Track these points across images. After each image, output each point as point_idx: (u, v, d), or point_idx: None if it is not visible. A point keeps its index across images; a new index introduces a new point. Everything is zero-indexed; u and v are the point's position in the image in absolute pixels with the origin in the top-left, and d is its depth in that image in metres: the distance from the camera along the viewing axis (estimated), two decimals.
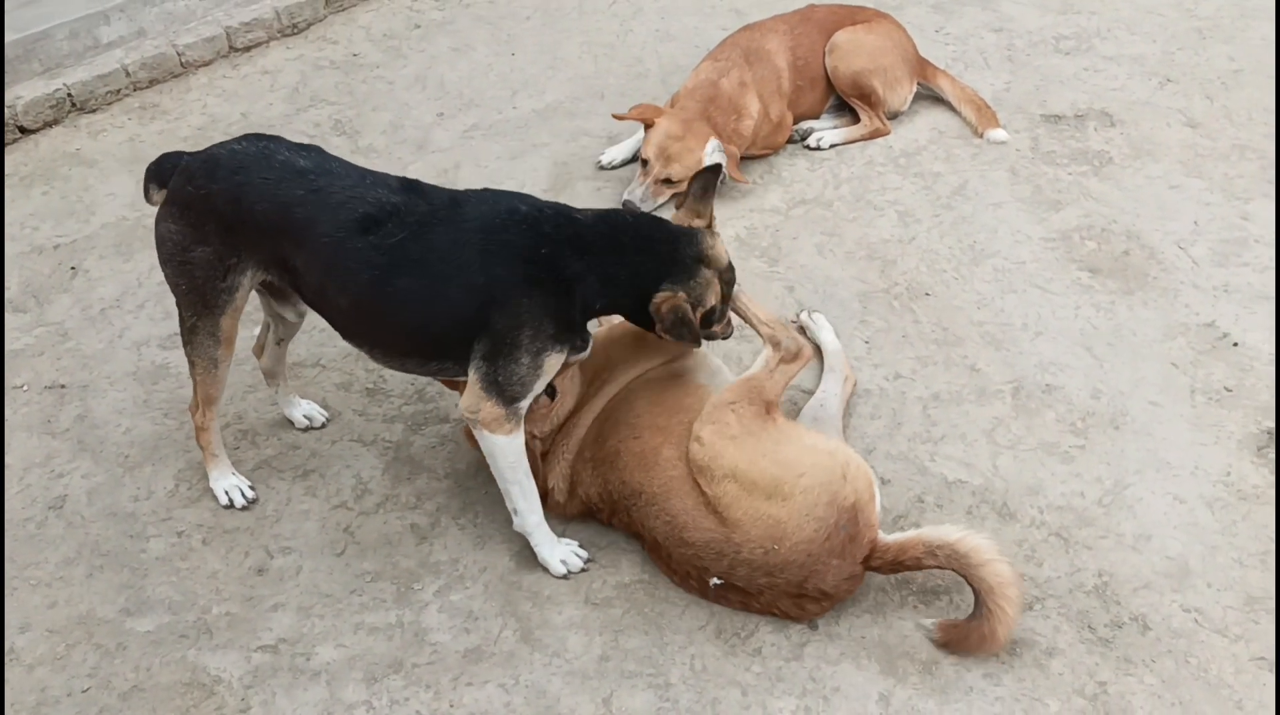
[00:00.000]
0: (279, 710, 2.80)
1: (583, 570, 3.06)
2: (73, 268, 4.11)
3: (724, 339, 3.07)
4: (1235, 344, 3.60)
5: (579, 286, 2.73)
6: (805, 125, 4.58)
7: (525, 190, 4.18)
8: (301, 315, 3.16)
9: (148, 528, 3.20)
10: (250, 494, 3.25)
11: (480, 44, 5.29)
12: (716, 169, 2.96)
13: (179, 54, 5.11)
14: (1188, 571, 2.97)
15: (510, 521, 3.04)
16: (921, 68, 4.66)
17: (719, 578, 2.84)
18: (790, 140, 4.56)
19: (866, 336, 3.68)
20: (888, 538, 2.81)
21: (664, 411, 3.00)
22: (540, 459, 3.12)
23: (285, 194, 2.72)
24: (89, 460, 3.42)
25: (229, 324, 2.93)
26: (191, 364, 3.03)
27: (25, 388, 3.68)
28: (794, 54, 4.43)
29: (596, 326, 3.25)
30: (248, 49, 5.31)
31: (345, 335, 2.94)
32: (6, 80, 4.77)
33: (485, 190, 2.84)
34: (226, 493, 3.23)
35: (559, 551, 3.05)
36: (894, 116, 4.64)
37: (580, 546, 3.09)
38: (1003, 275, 3.90)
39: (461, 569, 3.10)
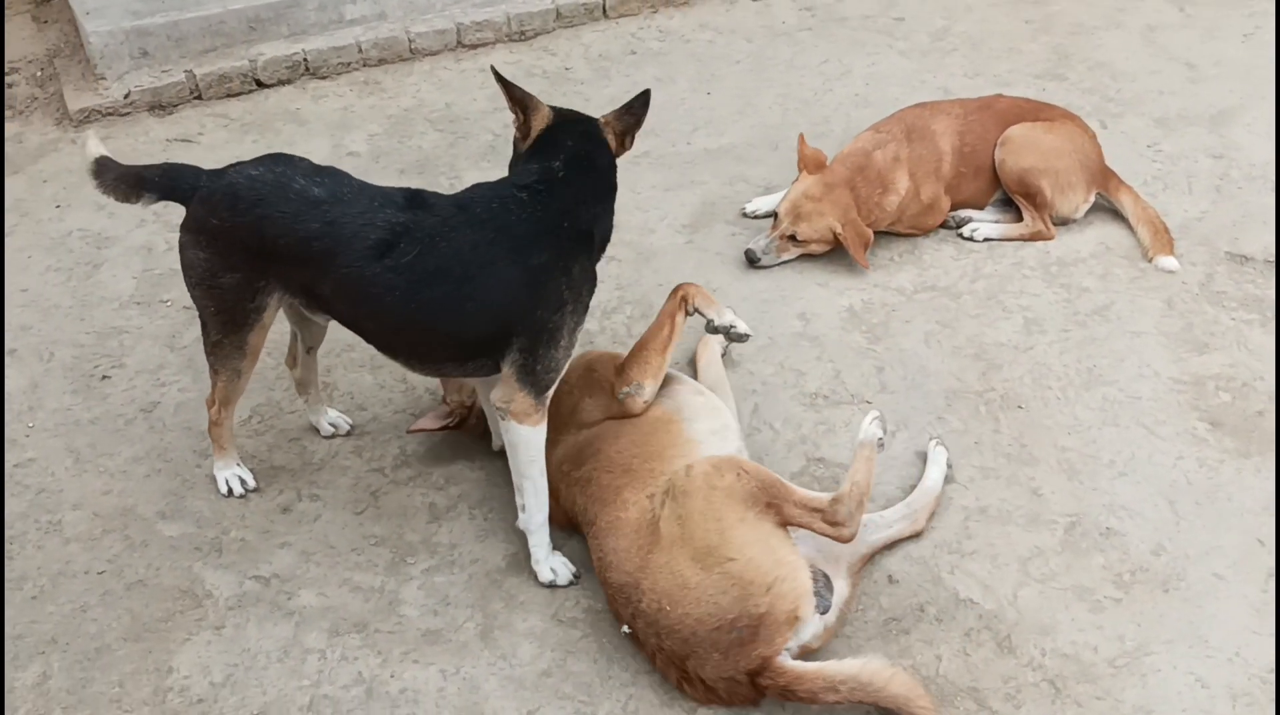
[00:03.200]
0: (248, 636, 3.01)
1: (568, 585, 3.12)
2: None
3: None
4: None
5: (597, 226, 2.96)
6: (964, 213, 4.43)
7: (665, 222, 4.31)
8: (324, 323, 3.25)
9: (210, 448, 3.49)
10: (251, 483, 3.38)
11: (683, 78, 5.43)
12: (645, 94, 3.14)
13: (410, 40, 5.53)
14: None
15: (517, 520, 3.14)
16: (1104, 178, 4.41)
17: (628, 626, 2.83)
18: (945, 226, 4.43)
19: (938, 434, 3.53)
20: (788, 663, 2.70)
21: (640, 454, 3.01)
22: None
23: (303, 228, 2.78)
24: (190, 378, 3.78)
25: (256, 340, 3.04)
26: (214, 372, 3.13)
27: (169, 303, 4.11)
28: (962, 139, 4.31)
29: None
30: (474, 47, 5.68)
31: (381, 351, 3.06)
32: (255, 38, 5.33)
33: (477, 186, 2.97)
34: (227, 481, 3.37)
35: (553, 560, 3.12)
36: (1063, 223, 4.41)
37: (570, 563, 3.14)
38: (1111, 406, 3.65)
39: (456, 555, 3.22)
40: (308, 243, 2.79)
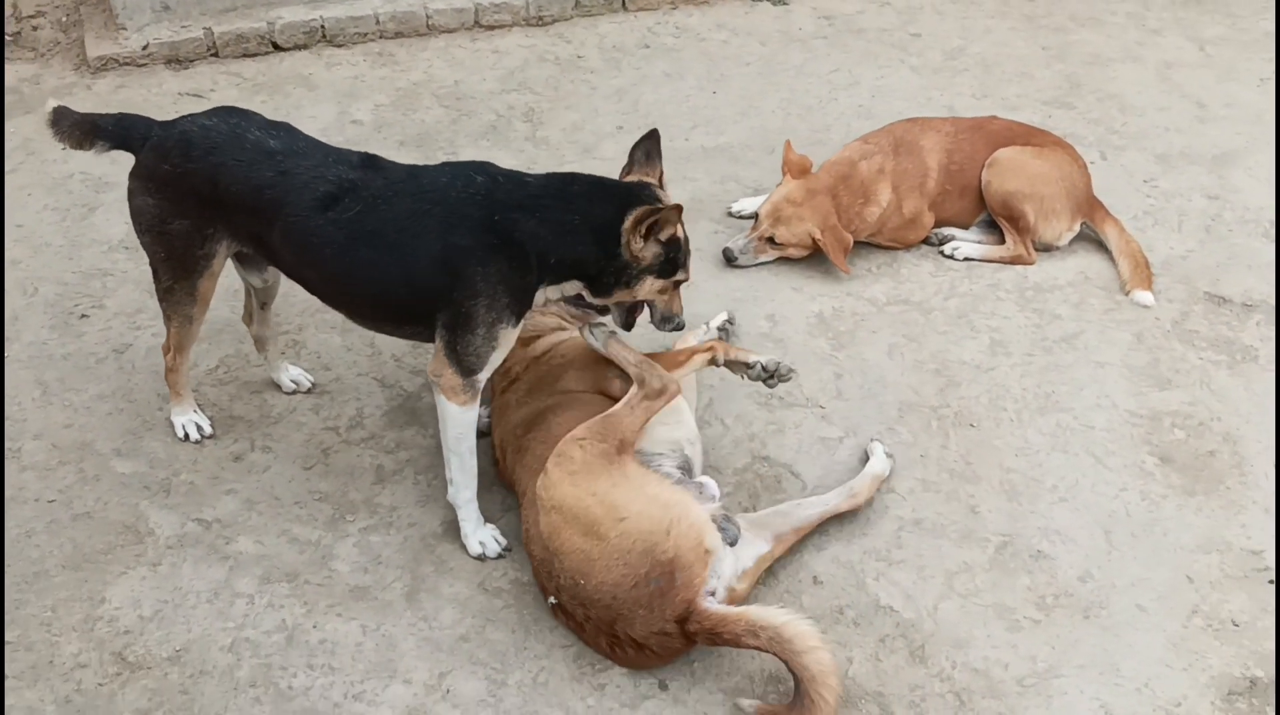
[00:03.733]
0: (182, 575, 3.10)
1: (497, 557, 3.18)
2: None
3: (675, 325, 3.14)
4: (1272, 581, 3.23)
5: (534, 246, 2.84)
6: (948, 231, 4.45)
7: None
8: (269, 279, 3.32)
9: None
10: (207, 430, 3.47)
11: (691, 76, 5.48)
12: (654, 134, 3.09)
13: (428, 16, 5.61)
14: None
15: None
16: (1090, 208, 4.42)
17: (553, 597, 2.89)
18: (927, 242, 4.45)
19: (887, 446, 3.56)
20: (712, 606, 2.75)
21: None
22: (494, 410, 3.31)
23: (257, 177, 2.87)
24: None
25: (206, 286, 3.12)
26: (167, 318, 3.22)
27: None
28: (949, 157, 4.33)
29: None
30: (491, 28, 5.75)
31: (324, 302, 3.13)
32: (276, 1, 5.43)
33: (444, 163, 3.01)
34: (184, 426, 3.47)
35: (481, 533, 3.18)
36: (1046, 249, 4.42)
37: (502, 535, 3.20)
38: (1063, 432, 3.67)
39: (394, 517, 3.30)
40: (260, 190, 2.87)
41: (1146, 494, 3.48)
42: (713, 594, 2.81)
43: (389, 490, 3.37)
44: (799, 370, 3.78)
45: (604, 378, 3.19)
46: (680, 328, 3.20)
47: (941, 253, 4.42)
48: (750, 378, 3.26)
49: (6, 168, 4.64)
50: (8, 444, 3.43)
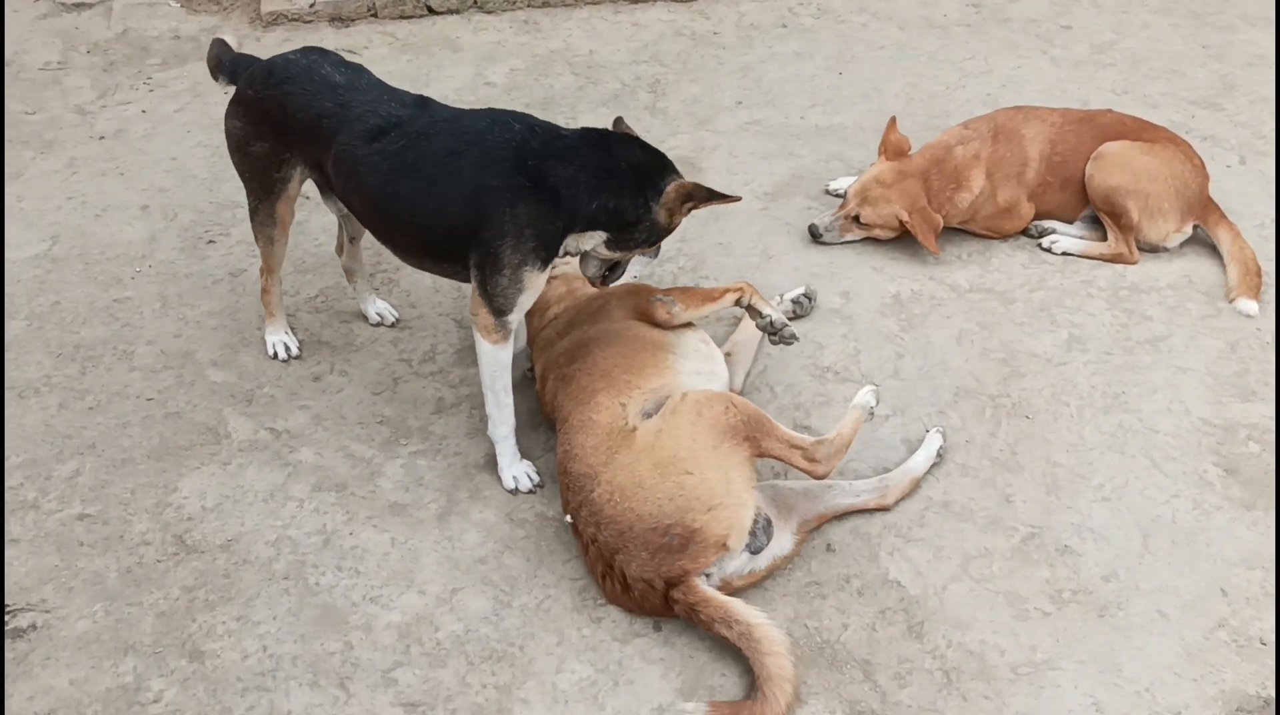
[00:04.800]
0: (246, 476, 3.43)
1: (530, 491, 3.37)
2: None
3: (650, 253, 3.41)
4: None
5: (569, 190, 2.99)
6: (1048, 224, 4.35)
7: (749, 187, 4.47)
8: (344, 209, 3.52)
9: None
10: (294, 350, 3.79)
11: (820, 56, 5.51)
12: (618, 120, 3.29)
13: None
14: None
15: None
16: (1204, 210, 4.23)
17: (570, 516, 3.04)
18: (1027, 233, 4.37)
19: (933, 426, 3.56)
20: (702, 586, 2.86)
21: (622, 365, 3.19)
22: (534, 344, 3.51)
23: (319, 107, 3.16)
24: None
25: (284, 210, 3.45)
26: (256, 239, 3.58)
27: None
28: (1053, 147, 4.23)
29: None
30: (636, 1, 5.93)
31: (372, 234, 3.38)
32: None
33: (488, 109, 3.19)
34: (274, 346, 3.79)
35: (515, 468, 3.38)
36: (1153, 250, 4.27)
37: (537, 472, 3.39)
38: (1123, 433, 3.57)
39: (443, 445, 3.53)
40: (320, 119, 3.17)
41: (1199, 502, 3.36)
42: (708, 576, 2.92)
43: (444, 420, 3.61)
44: (864, 348, 3.82)
45: (645, 303, 3.33)
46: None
47: (1039, 245, 4.33)
48: (759, 327, 3.39)
49: (174, 107, 5.13)
50: (126, 347, 3.84)
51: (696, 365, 3.31)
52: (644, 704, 2.85)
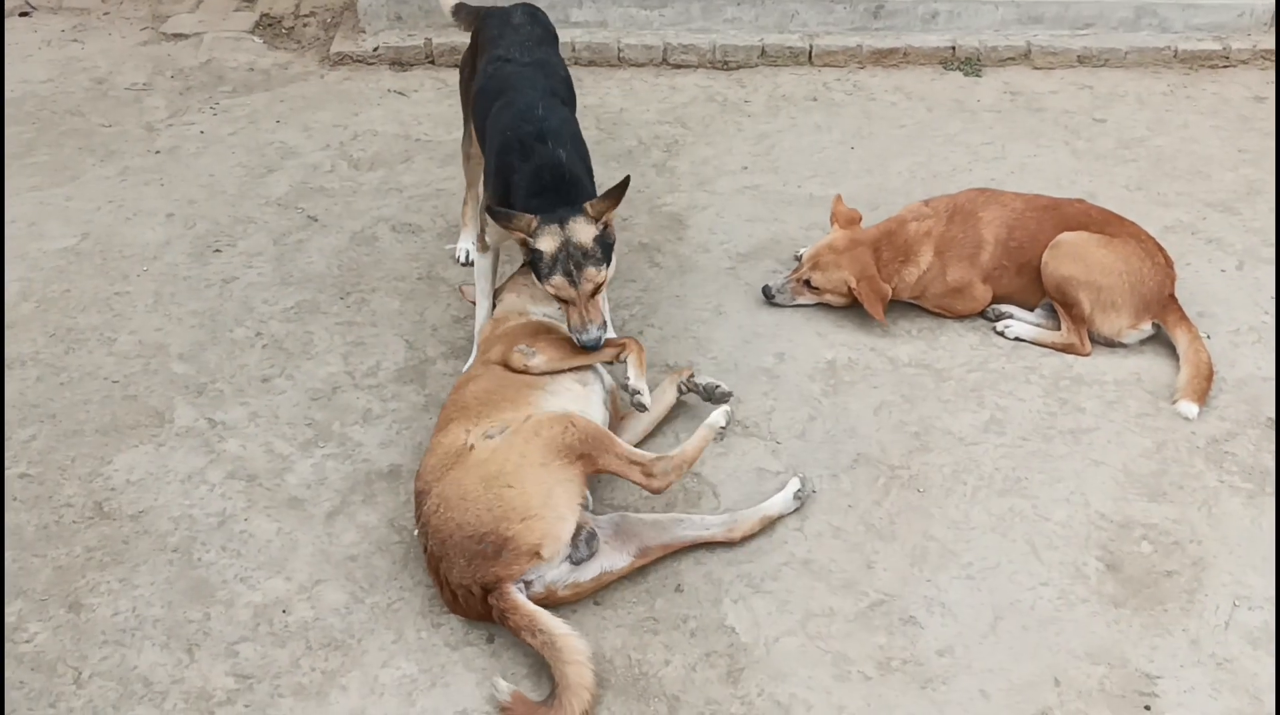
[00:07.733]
0: (174, 459, 3.77)
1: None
2: None
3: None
4: (1147, 709, 3.01)
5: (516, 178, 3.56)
6: (1007, 308, 4.36)
7: (724, 247, 4.71)
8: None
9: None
10: (474, 256, 4.19)
11: (839, 130, 5.63)
12: (625, 180, 3.46)
13: (619, 50, 6.15)
14: None
15: None
16: (1163, 309, 4.16)
17: (417, 527, 3.25)
18: (984, 316, 4.39)
19: (820, 487, 3.63)
20: (514, 594, 3.02)
21: (482, 398, 3.41)
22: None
23: (488, 32, 4.13)
24: (270, 267, 4.62)
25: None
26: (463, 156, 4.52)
27: (301, 210, 4.98)
28: (1009, 232, 4.26)
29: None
30: (677, 66, 6.19)
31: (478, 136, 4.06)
32: None
33: (546, 90, 3.82)
34: (461, 251, 4.65)
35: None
36: (1109, 344, 4.23)
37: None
38: (1012, 517, 3.56)
39: (355, 452, 3.82)
40: (488, 44, 4.07)
41: (1066, 593, 3.33)
42: (529, 584, 3.10)
43: (365, 429, 3.88)
44: (779, 407, 3.92)
45: (508, 351, 3.55)
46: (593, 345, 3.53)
47: (994, 329, 4.34)
48: (619, 384, 3.70)
49: (230, 130, 5.63)
50: (111, 334, 4.26)
51: (565, 402, 3.47)
52: (451, 706, 3.01)
